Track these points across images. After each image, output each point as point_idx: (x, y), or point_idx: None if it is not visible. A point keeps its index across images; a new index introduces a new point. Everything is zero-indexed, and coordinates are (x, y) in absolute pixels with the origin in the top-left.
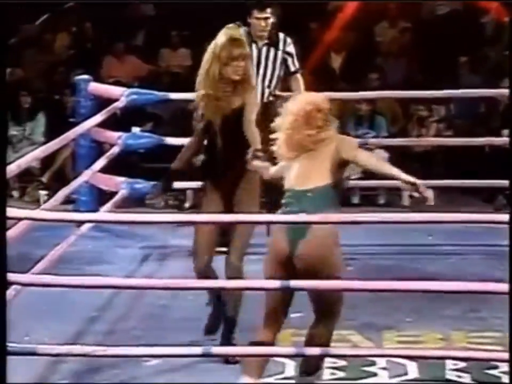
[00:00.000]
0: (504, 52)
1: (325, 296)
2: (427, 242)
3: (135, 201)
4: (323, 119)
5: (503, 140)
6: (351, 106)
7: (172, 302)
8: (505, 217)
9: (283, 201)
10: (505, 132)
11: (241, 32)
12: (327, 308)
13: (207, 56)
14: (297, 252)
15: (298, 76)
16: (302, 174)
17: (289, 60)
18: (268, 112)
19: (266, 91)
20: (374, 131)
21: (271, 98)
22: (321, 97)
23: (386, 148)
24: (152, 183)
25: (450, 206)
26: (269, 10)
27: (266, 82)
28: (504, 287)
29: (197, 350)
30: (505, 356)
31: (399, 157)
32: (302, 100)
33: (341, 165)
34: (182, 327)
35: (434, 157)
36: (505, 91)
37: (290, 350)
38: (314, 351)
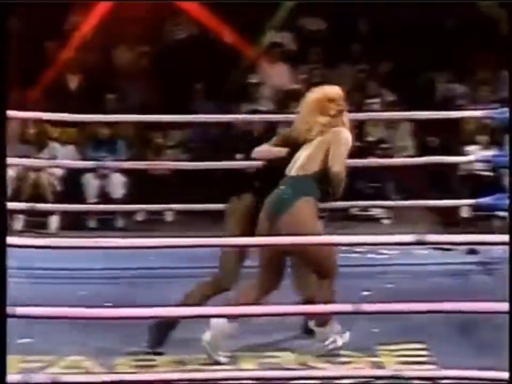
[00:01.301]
0: (240, 78)
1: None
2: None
3: None
4: (335, 108)
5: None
6: (90, 129)
7: None
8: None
9: None
10: (239, 155)
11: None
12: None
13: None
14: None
15: None
16: (295, 161)
17: None
18: None
19: None
20: (113, 155)
21: None
22: (334, 89)
23: (124, 171)
24: None
25: (192, 228)
26: None
27: None
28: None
29: None
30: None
31: (136, 180)
32: (316, 90)
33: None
34: None
35: (171, 180)
36: (242, 116)
37: (16, 377)
38: (42, 379)
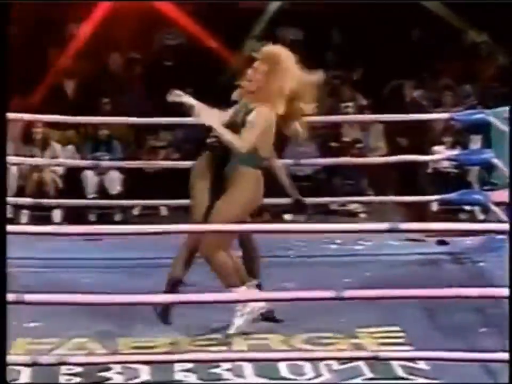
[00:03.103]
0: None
1: None
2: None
3: None
4: None
5: None
6: (87, 131)
7: None
8: (505, 226)
9: None
10: None
11: None
12: None
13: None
14: None
15: None
16: None
17: None
18: None
19: None
20: (110, 154)
21: None
22: None
23: (121, 169)
24: None
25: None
26: None
27: None
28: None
29: None
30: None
31: (132, 177)
32: None
33: None
34: None
35: (164, 177)
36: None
37: (25, 359)
38: (49, 360)
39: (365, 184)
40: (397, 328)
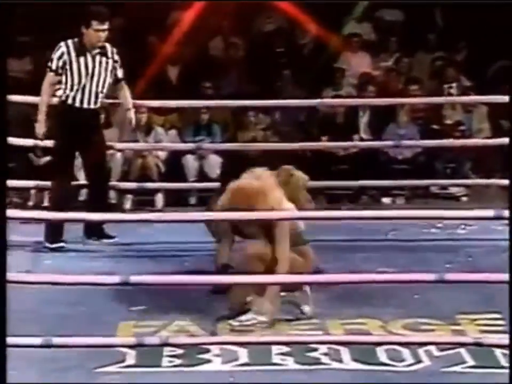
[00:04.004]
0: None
1: None
2: None
3: None
4: None
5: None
6: (189, 115)
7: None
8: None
9: None
10: (324, 138)
11: None
12: None
13: None
14: None
15: (123, 83)
16: None
17: (118, 68)
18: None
19: (100, 96)
20: (210, 138)
21: (100, 103)
22: None
23: (220, 152)
24: None
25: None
26: (107, 22)
27: (100, 88)
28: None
29: (37, 340)
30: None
31: (231, 160)
32: None
33: None
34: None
35: (262, 160)
36: (325, 101)
37: (131, 340)
38: (154, 341)
39: (467, 167)
40: (499, 316)
